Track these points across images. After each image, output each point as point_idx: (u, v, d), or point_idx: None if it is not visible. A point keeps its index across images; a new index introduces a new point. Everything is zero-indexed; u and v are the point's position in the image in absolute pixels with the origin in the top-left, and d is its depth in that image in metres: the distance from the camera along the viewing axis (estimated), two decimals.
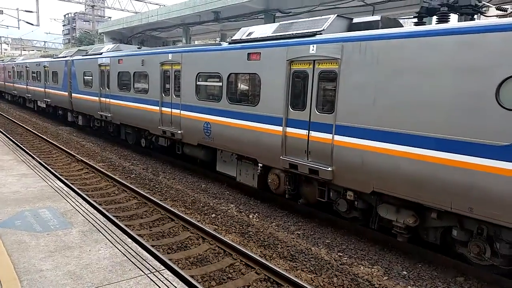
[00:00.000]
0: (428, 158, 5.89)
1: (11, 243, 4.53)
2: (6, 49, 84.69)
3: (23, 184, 7.10)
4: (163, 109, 12.24)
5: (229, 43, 9.85)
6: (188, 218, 7.71)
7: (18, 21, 34.61)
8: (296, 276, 5.80)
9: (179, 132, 11.45)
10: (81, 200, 6.34)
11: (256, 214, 8.56)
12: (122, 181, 10.22)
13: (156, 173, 11.84)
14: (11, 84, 31.18)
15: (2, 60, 40.68)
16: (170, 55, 11.80)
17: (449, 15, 6.59)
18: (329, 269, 6.18)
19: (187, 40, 26.47)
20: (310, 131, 7.67)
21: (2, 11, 33.78)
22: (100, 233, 4.95)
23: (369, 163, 6.64)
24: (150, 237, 7.07)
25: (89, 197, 8.71)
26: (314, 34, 7.74)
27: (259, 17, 19.59)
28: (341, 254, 6.76)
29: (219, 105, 9.93)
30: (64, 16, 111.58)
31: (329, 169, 7.23)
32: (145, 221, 7.89)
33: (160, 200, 9.02)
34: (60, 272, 3.88)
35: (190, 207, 8.94)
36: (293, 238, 7.35)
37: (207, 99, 10.55)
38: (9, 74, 31.64)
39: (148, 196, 9.04)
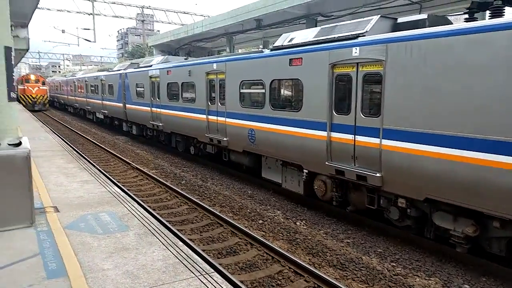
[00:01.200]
0: (488, 162, 5.52)
1: (77, 244, 4.95)
2: (68, 65, 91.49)
3: (85, 190, 7.67)
4: (210, 117, 12.65)
5: (271, 50, 10.00)
6: (236, 224, 7.89)
7: (78, 38, 37.36)
8: (346, 286, 5.74)
9: (225, 139, 11.77)
10: (136, 205, 6.74)
11: (303, 221, 8.56)
12: (174, 187, 10.67)
13: (204, 180, 12.22)
14: (73, 98, 33.70)
15: (65, 75, 44.04)
16: (214, 64, 12.19)
17: (504, 9, 6.24)
18: (382, 279, 6.01)
19: (230, 49, 27.08)
20: (356, 136, 7.58)
21: (64, 30, 36.61)
22: (154, 236, 5.25)
23: (420, 169, 6.41)
24: (200, 242, 7.33)
25: (143, 202, 9.20)
26: (356, 36, 7.68)
27: (300, 22, 19.63)
28: (395, 264, 6.56)
29: (263, 111, 10.09)
30: (118, 31, 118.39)
31: (378, 175, 7.09)
32: (195, 226, 8.18)
33: (210, 206, 9.31)
34: (119, 272, 4.19)
35: (238, 213, 9.14)
36: (343, 246, 7.26)
37: (250, 106, 10.76)
38: (71, 88, 34.20)
39: (198, 202, 9.36)
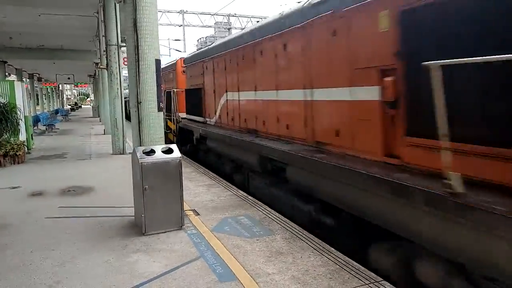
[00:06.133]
0: None
1: (231, 247, 5.13)
2: None
3: (213, 194, 8.03)
4: None
5: None
6: None
7: (169, 49, 39.97)
8: None
9: None
10: (269, 209, 6.85)
11: None
12: None
13: None
14: None
15: None
16: None
17: None
18: None
19: None
20: None
21: None
22: (302, 241, 5.25)
23: None
24: None
25: None
26: None
27: None
28: None
29: None
30: (197, 40, 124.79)
31: None
32: None
33: None
34: (286, 277, 4.22)
35: None
36: None
37: None
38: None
39: None
